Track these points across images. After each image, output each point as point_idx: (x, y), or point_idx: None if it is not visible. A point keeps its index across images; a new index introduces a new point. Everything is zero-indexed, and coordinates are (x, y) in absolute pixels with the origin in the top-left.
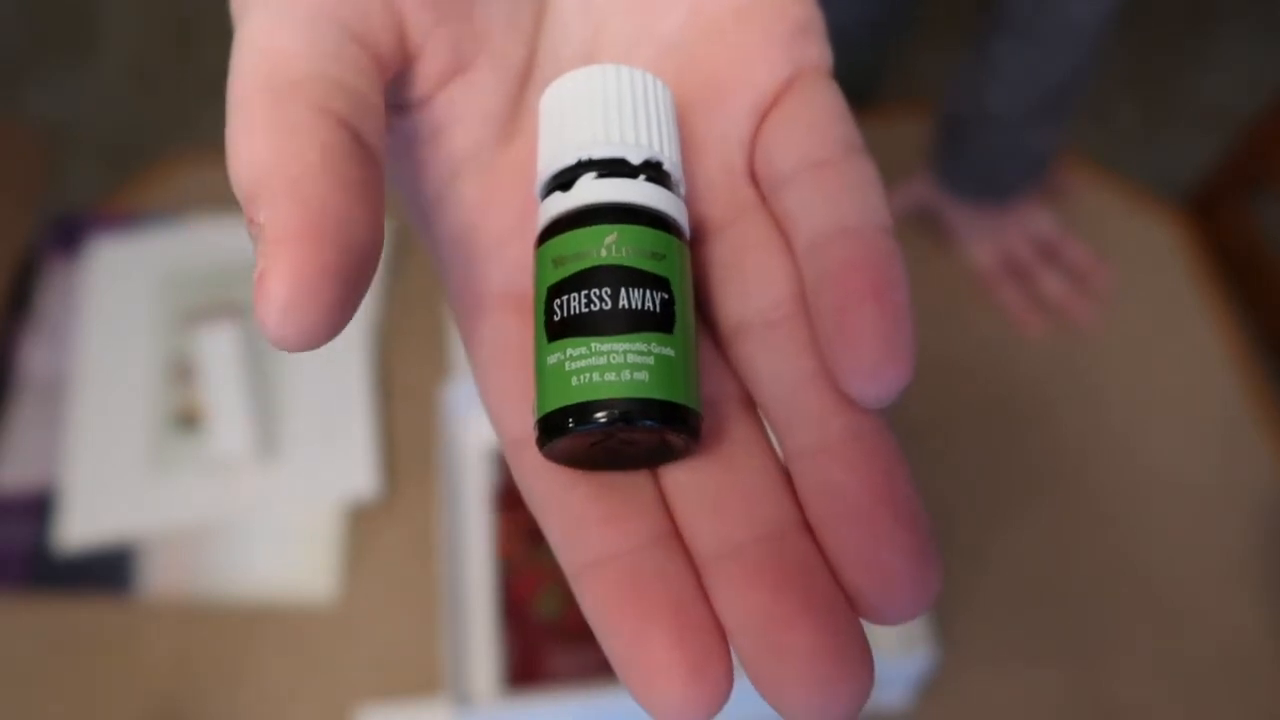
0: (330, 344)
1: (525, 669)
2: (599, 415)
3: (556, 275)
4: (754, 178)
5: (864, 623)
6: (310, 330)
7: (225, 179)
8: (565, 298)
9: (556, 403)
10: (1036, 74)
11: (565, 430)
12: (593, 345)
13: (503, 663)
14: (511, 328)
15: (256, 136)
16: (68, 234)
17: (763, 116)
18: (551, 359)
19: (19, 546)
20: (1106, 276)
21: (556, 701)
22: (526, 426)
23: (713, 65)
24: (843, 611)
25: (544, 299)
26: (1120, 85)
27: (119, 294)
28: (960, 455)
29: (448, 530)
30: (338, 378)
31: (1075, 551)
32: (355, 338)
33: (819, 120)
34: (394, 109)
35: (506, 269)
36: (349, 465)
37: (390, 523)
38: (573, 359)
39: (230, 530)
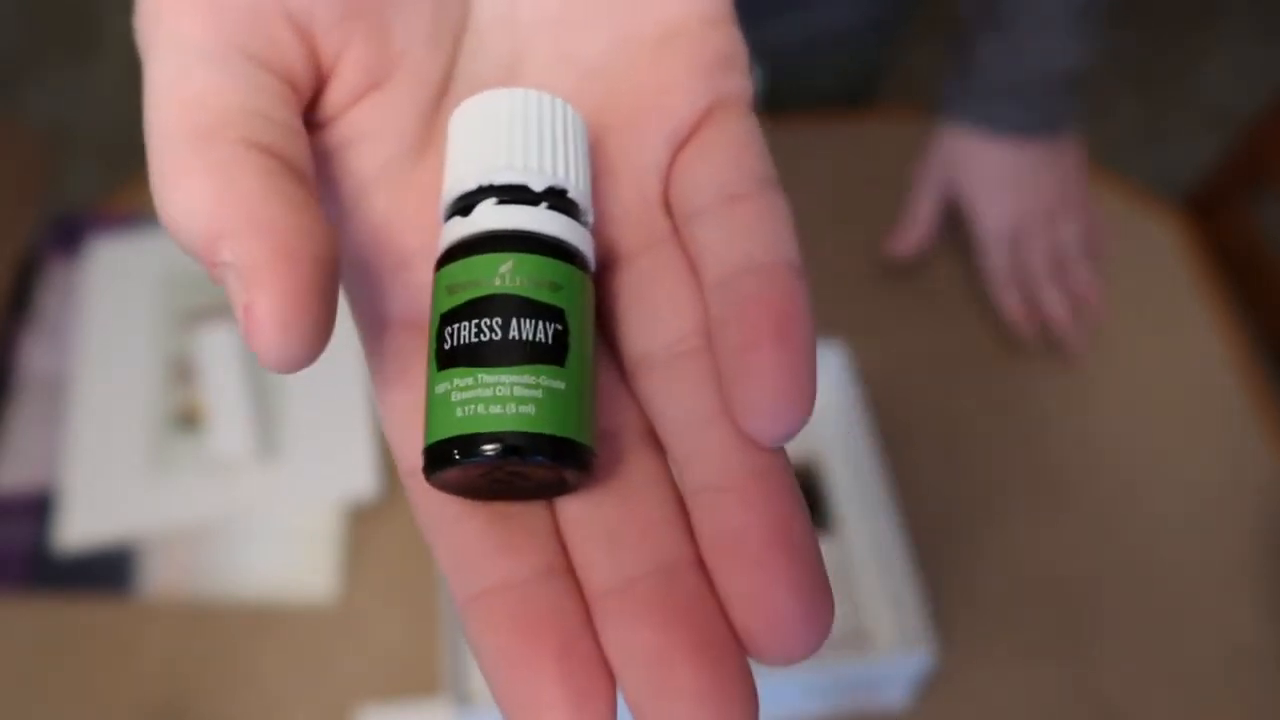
0: (330, 344)
1: None
2: (484, 448)
3: (450, 303)
4: (668, 207)
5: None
6: (308, 345)
7: None
8: (456, 326)
9: (442, 433)
10: None
11: (450, 461)
12: (479, 376)
13: None
14: (410, 353)
15: (195, 180)
16: (68, 234)
17: (680, 145)
18: (440, 388)
19: (19, 546)
20: (1099, 306)
21: None
22: (420, 456)
23: (633, 92)
24: (731, 651)
25: (437, 326)
26: (1121, 84)
27: (119, 294)
28: (960, 453)
29: None
30: (338, 378)
31: (1075, 551)
32: (355, 338)
33: (735, 152)
34: (309, 127)
35: (409, 292)
36: (349, 465)
37: (390, 523)
38: (459, 389)
39: (230, 530)
